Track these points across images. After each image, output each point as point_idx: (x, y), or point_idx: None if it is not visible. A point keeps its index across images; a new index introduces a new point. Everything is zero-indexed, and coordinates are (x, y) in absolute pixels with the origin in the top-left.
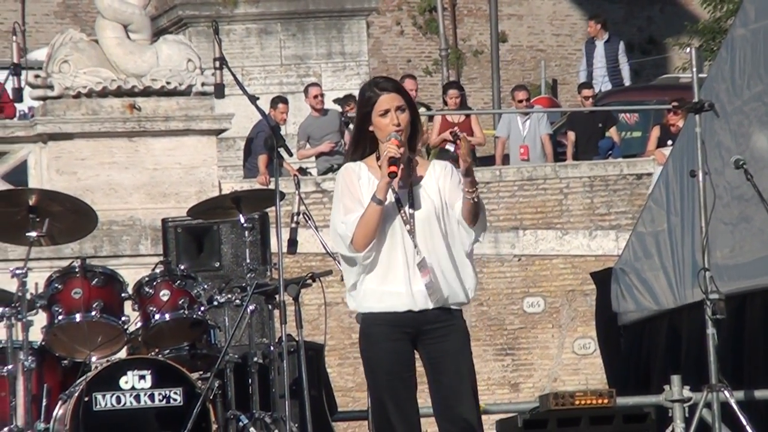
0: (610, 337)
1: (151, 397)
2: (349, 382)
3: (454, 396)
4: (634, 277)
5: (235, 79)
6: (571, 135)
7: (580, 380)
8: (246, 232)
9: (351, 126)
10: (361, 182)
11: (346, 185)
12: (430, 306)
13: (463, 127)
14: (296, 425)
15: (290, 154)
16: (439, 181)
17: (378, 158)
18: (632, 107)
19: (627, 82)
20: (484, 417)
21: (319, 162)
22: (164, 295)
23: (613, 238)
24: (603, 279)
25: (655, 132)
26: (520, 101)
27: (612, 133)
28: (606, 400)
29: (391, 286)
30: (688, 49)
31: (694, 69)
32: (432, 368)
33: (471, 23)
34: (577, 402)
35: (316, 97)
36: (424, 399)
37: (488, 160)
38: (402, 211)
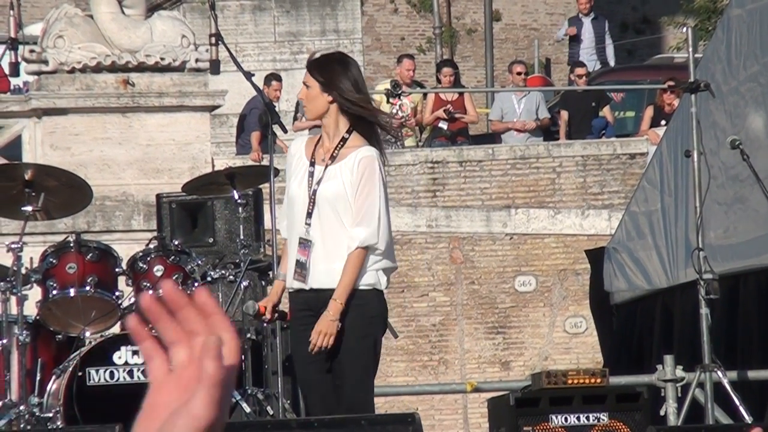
0: (604, 316)
1: (145, 372)
2: None
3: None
4: (626, 256)
5: (231, 55)
6: (564, 114)
7: (572, 359)
8: (240, 209)
9: None
10: (294, 158)
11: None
12: (306, 287)
13: (457, 105)
14: (288, 402)
15: (285, 131)
16: (351, 169)
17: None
18: (626, 86)
19: (612, 62)
20: (475, 395)
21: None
22: (158, 270)
23: (605, 217)
24: (597, 257)
25: (649, 112)
26: (519, 73)
27: (606, 112)
28: (599, 380)
29: (289, 261)
30: (684, 29)
31: (690, 48)
32: None
33: (465, 2)
34: (569, 381)
35: None
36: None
37: (481, 139)
38: (310, 188)
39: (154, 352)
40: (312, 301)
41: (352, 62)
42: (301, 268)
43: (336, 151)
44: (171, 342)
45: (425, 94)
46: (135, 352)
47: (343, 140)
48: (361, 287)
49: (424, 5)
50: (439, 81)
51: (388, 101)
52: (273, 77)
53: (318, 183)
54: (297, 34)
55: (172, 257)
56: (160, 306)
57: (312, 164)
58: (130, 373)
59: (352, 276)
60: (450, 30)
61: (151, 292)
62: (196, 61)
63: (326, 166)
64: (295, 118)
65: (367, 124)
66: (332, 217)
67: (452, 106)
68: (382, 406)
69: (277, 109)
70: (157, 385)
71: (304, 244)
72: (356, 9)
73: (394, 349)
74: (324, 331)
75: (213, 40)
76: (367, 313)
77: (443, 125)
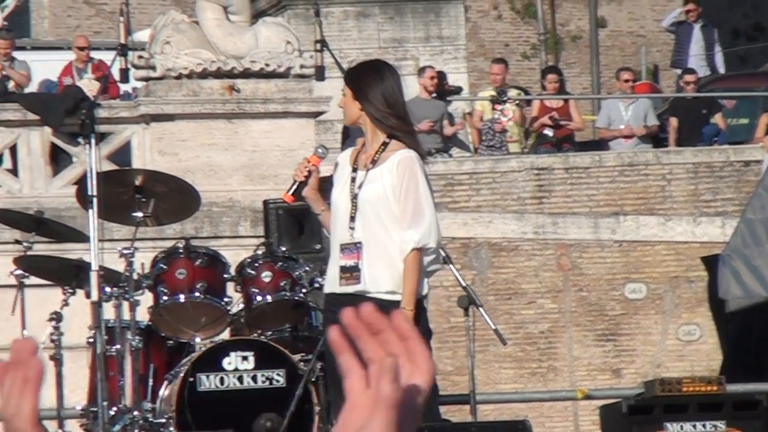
0: (720, 324)
1: (254, 378)
2: (448, 365)
3: None
4: (742, 264)
5: (336, 61)
6: (674, 121)
7: (685, 367)
8: None
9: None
10: (339, 166)
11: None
12: (349, 290)
13: (562, 111)
14: None
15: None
16: (391, 171)
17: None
18: (739, 93)
19: (721, 70)
20: (585, 402)
21: None
22: (266, 276)
23: (719, 224)
24: (712, 265)
25: (764, 119)
26: (626, 81)
27: (718, 119)
28: (715, 387)
29: (331, 268)
30: None
31: None
32: None
33: (569, 8)
34: (684, 389)
35: (432, 78)
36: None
37: (586, 146)
38: (352, 191)
39: (352, 366)
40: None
41: (389, 71)
42: (351, 271)
43: (377, 155)
44: (369, 360)
45: (529, 101)
46: (244, 358)
47: (384, 144)
48: (385, 290)
49: (529, 12)
50: (543, 87)
51: (492, 108)
52: None
53: (359, 187)
54: (401, 41)
55: (280, 263)
56: (360, 324)
57: (354, 170)
58: (240, 379)
59: (415, 280)
60: (554, 37)
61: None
62: (301, 67)
63: (367, 171)
64: None
65: (387, 132)
66: (373, 220)
67: (557, 113)
68: (491, 413)
69: None
70: (353, 401)
71: (350, 248)
72: (460, 15)
73: (502, 356)
74: None
75: (317, 46)
76: (419, 323)
77: (549, 132)
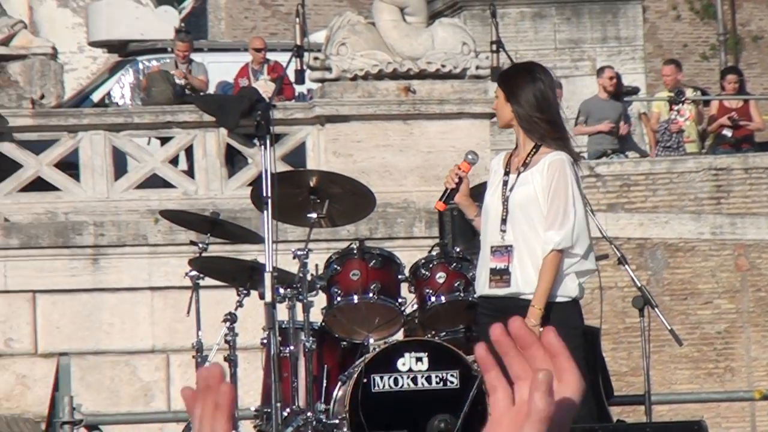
0: None
1: (428, 379)
2: (623, 366)
3: None
4: None
5: (511, 62)
6: None
7: None
8: None
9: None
10: (492, 170)
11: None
12: (500, 293)
13: (741, 112)
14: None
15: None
16: (542, 173)
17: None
18: None
19: None
20: (763, 403)
21: (589, 143)
22: (440, 277)
23: None
24: None
25: None
26: None
27: None
28: None
29: (481, 270)
30: None
31: None
32: None
33: (750, 8)
34: None
35: (611, 78)
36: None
37: (767, 146)
38: (503, 194)
39: (499, 383)
40: (507, 308)
41: (543, 74)
42: (501, 274)
43: (529, 158)
44: (516, 377)
45: (708, 101)
46: (418, 359)
47: (536, 147)
48: (559, 299)
49: (708, 12)
50: (723, 88)
51: (669, 108)
52: None
53: (511, 190)
54: (577, 42)
55: (454, 264)
56: (509, 339)
57: (506, 173)
58: (414, 380)
59: (549, 281)
60: (735, 37)
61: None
62: (477, 68)
63: (519, 173)
64: (576, 123)
65: (535, 135)
66: (524, 222)
67: (737, 114)
68: (666, 413)
69: None
70: (497, 418)
71: (501, 250)
72: (638, 16)
73: (678, 357)
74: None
75: (493, 47)
76: (569, 325)
77: (727, 132)
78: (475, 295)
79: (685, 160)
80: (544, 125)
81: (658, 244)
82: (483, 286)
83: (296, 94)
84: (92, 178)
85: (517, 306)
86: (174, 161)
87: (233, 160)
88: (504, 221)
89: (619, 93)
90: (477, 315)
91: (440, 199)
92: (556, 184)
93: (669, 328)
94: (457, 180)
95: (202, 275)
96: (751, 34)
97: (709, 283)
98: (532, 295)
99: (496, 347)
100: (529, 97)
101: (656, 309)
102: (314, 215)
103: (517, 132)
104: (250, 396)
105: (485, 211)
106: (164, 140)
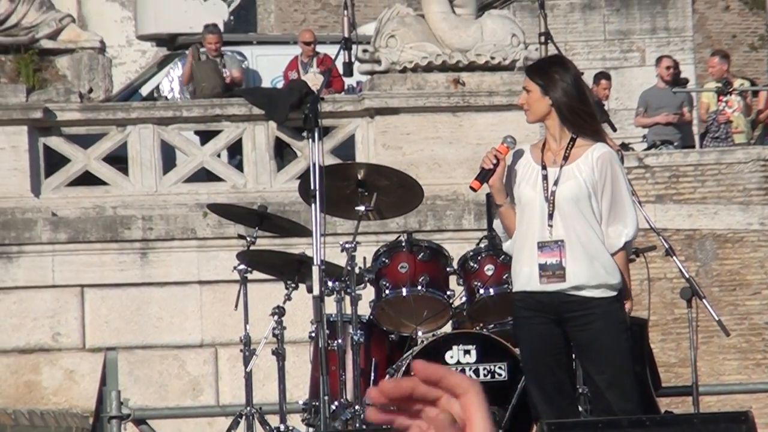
0: None
1: (476, 371)
2: (672, 357)
3: (595, 386)
4: None
5: (560, 53)
6: None
7: None
8: None
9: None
10: (519, 164)
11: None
12: (555, 288)
13: None
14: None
15: (614, 129)
16: (591, 167)
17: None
18: None
19: None
20: None
21: (649, 133)
22: (489, 269)
23: None
24: None
25: None
26: None
27: None
28: None
29: (523, 266)
30: None
31: None
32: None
33: None
34: None
35: (668, 68)
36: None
37: None
38: (545, 189)
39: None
40: (554, 306)
41: (572, 66)
42: (554, 269)
43: (567, 152)
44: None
45: (756, 92)
46: (467, 352)
47: (573, 140)
48: (611, 293)
49: (757, 3)
50: None
51: (717, 99)
52: (602, 75)
53: (555, 184)
54: (627, 33)
55: (503, 257)
56: (400, 393)
57: (544, 167)
58: (462, 372)
59: (627, 275)
60: None
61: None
62: (526, 59)
63: (561, 167)
64: (636, 113)
65: (579, 126)
66: (576, 215)
67: None
68: (714, 404)
69: (606, 107)
70: None
71: (551, 245)
72: (687, 7)
73: (726, 348)
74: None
75: (542, 38)
76: (620, 319)
77: None
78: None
79: (734, 151)
80: (587, 116)
81: (706, 235)
82: (528, 282)
83: (345, 86)
84: (141, 171)
85: (570, 300)
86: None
87: (282, 153)
88: (551, 216)
89: (678, 82)
90: (516, 310)
91: (476, 179)
92: (613, 178)
93: (717, 318)
94: (495, 161)
95: (250, 269)
96: None
97: (757, 273)
98: (592, 289)
99: (393, 397)
100: (569, 88)
101: (704, 300)
102: (362, 208)
103: (550, 125)
104: (299, 389)
105: (524, 205)
106: (211, 134)
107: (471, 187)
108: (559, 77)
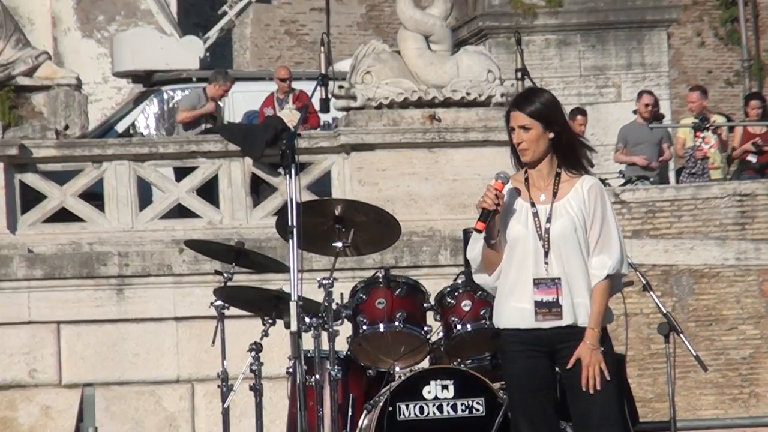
0: None
1: (454, 407)
2: (648, 392)
3: (581, 417)
4: None
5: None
6: None
7: None
8: None
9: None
10: (506, 202)
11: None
12: (545, 326)
13: (766, 137)
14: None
15: (591, 165)
16: (582, 200)
17: (526, 174)
18: None
19: None
20: None
21: (626, 170)
22: (466, 305)
23: None
24: None
25: None
26: None
27: None
28: None
29: (518, 302)
30: None
31: None
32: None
33: None
34: None
35: (646, 105)
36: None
37: None
38: (538, 226)
39: None
40: (548, 339)
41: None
42: (550, 307)
43: (555, 187)
44: None
45: (732, 128)
46: (444, 387)
47: (558, 175)
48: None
49: (732, 38)
50: (746, 114)
51: (694, 135)
52: (578, 111)
53: (548, 221)
54: (602, 68)
55: (480, 292)
56: None
57: (532, 204)
58: (440, 408)
59: (605, 304)
60: (759, 63)
61: None
62: (502, 95)
63: (551, 204)
64: (616, 149)
65: (575, 158)
66: (572, 252)
67: (761, 139)
68: None
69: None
70: None
71: (547, 283)
72: (663, 42)
73: (702, 383)
74: (593, 361)
75: (519, 74)
76: (609, 351)
77: (752, 158)
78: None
79: (710, 186)
80: (581, 146)
81: (683, 270)
82: (522, 319)
83: (321, 122)
84: (117, 208)
85: (569, 334)
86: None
87: (258, 190)
88: (546, 254)
89: (656, 117)
90: (505, 345)
91: (480, 219)
92: (602, 209)
93: (694, 354)
94: (496, 200)
95: (227, 305)
96: None
97: (734, 308)
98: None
99: None
100: (564, 118)
101: (681, 335)
102: (339, 244)
103: (539, 163)
104: (275, 426)
105: (515, 242)
106: (187, 170)
107: (476, 229)
108: (559, 110)
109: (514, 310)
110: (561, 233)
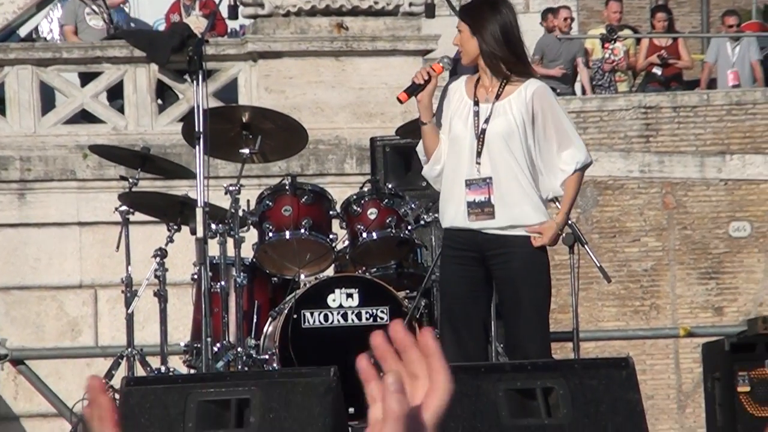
0: None
1: (358, 315)
2: (552, 303)
3: (511, 323)
4: None
5: None
6: None
7: None
8: None
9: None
10: (454, 97)
11: (439, 103)
12: (476, 226)
13: (671, 50)
14: (501, 345)
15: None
16: (524, 103)
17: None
18: None
19: None
20: (686, 340)
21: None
22: (372, 213)
23: None
24: None
25: None
26: (730, 26)
27: None
28: None
29: (451, 203)
30: None
31: None
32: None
33: None
34: None
35: (565, 19)
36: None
37: (695, 84)
38: (476, 126)
39: (377, 395)
40: (478, 244)
41: (505, 7)
42: (482, 207)
43: (500, 89)
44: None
45: (638, 39)
46: (349, 295)
47: (506, 77)
48: (535, 224)
49: None
50: (653, 26)
51: (602, 46)
52: None
53: (486, 121)
54: None
55: (386, 200)
56: (388, 345)
57: (476, 103)
58: (344, 316)
59: (574, 200)
60: None
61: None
62: (410, 5)
63: (492, 104)
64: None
65: (520, 64)
66: (505, 153)
67: (666, 52)
68: (593, 350)
69: None
70: (372, 427)
71: (478, 183)
72: None
73: (605, 294)
74: (548, 238)
75: None
76: (541, 260)
77: (657, 71)
78: (406, 232)
79: (616, 98)
80: (512, 58)
81: (587, 181)
82: (455, 219)
83: (229, 30)
84: (19, 113)
85: (493, 238)
86: None
87: (164, 96)
88: (479, 154)
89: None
90: (442, 249)
91: (404, 91)
92: (552, 108)
93: (598, 264)
94: (426, 77)
95: (132, 210)
96: None
97: (637, 221)
98: (518, 228)
99: (375, 353)
100: (495, 29)
101: (586, 246)
102: (246, 151)
103: (483, 65)
104: (179, 332)
105: (454, 141)
106: (92, 75)
107: (398, 99)
108: (488, 17)
109: (448, 211)
110: (496, 133)
